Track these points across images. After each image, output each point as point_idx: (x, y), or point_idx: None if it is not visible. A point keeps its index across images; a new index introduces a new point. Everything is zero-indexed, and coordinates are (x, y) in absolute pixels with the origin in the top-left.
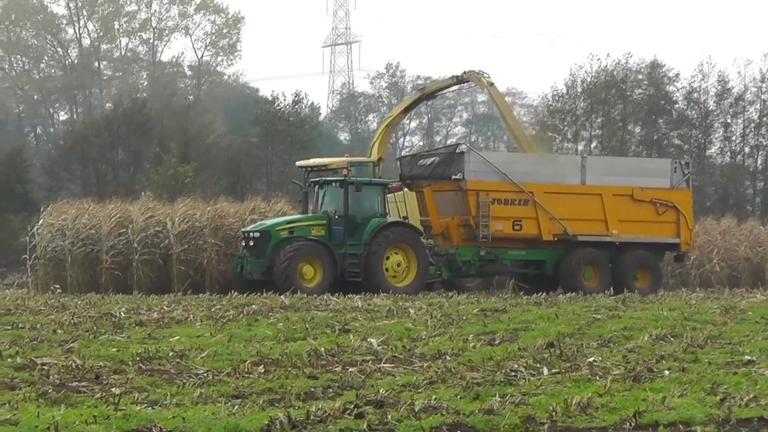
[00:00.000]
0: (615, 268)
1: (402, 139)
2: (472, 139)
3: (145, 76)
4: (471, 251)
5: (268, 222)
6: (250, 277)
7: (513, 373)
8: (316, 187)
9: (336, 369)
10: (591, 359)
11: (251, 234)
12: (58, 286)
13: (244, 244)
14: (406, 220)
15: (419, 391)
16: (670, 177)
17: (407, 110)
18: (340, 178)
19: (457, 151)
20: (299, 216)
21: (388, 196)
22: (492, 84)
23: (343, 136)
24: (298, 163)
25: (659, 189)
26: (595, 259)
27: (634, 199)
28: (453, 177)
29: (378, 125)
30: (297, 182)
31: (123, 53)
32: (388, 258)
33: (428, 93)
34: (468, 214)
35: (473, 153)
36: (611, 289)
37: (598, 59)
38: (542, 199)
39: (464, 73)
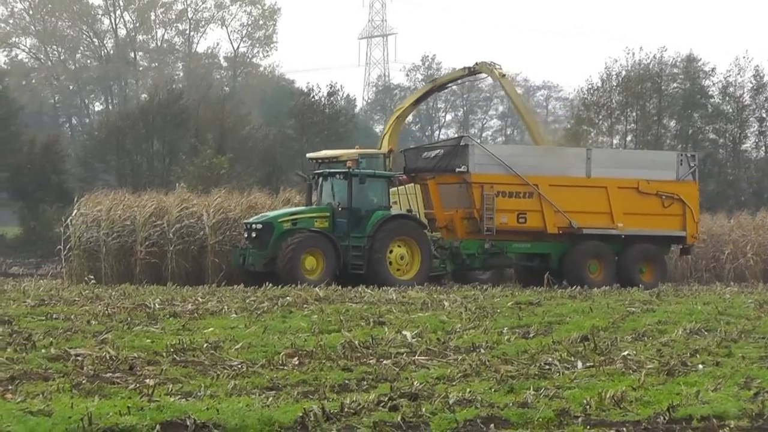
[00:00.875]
0: (620, 261)
1: (438, 132)
2: (508, 132)
3: (180, 67)
4: (475, 244)
5: (271, 213)
6: (252, 269)
7: (547, 367)
8: (320, 179)
9: (370, 361)
10: (625, 353)
11: (254, 225)
12: (92, 277)
13: (246, 235)
14: (411, 213)
15: (453, 383)
16: (676, 169)
17: (418, 102)
18: (343, 170)
19: (461, 143)
20: (302, 208)
21: (400, 188)
22: (504, 75)
23: (379, 128)
24: (308, 155)
25: (665, 182)
26: (600, 252)
27: (640, 192)
28: (457, 170)
29: (388, 117)
30: (301, 174)
31: (159, 44)
32: (391, 251)
33: (439, 84)
34: (472, 207)
35: (477, 146)
36: (616, 282)
37: (633, 53)
38: (547, 192)
39: (476, 64)
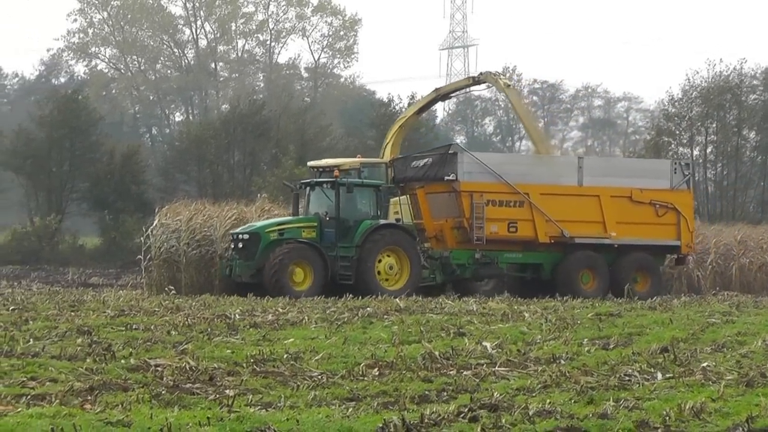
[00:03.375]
0: (614, 271)
1: (519, 143)
2: (588, 143)
3: (261, 77)
4: (465, 254)
5: (258, 224)
6: (239, 280)
7: (627, 378)
8: (308, 188)
9: (450, 372)
10: (704, 364)
11: (240, 236)
12: (172, 288)
13: (233, 246)
14: (400, 222)
15: (533, 394)
16: (670, 178)
17: (421, 111)
18: (330, 180)
19: (450, 151)
20: (290, 218)
21: (401, 198)
22: (509, 86)
23: (460, 139)
24: (309, 164)
25: (659, 190)
26: (593, 262)
27: (633, 201)
28: (446, 178)
29: (390, 126)
30: (288, 184)
31: (240, 54)
32: (380, 261)
33: (443, 94)
34: (462, 216)
35: (466, 153)
36: (610, 292)
37: (714, 64)
38: (538, 201)
39: (480, 74)
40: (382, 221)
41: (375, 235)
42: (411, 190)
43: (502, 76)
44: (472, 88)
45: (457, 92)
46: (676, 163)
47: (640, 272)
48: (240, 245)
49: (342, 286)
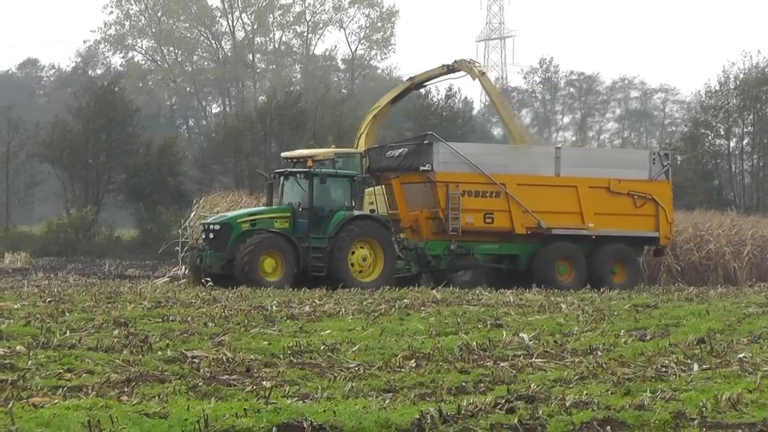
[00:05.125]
0: (591, 262)
1: (555, 135)
2: (625, 135)
3: (298, 69)
4: (441, 245)
5: (229, 214)
6: (209, 271)
7: (664, 369)
8: (281, 178)
9: (487, 364)
10: (741, 355)
11: (211, 226)
12: (209, 279)
13: (204, 236)
14: (374, 213)
15: (570, 386)
16: (649, 169)
17: (395, 100)
18: (304, 170)
19: (426, 141)
20: (262, 208)
21: (377, 188)
22: (483, 74)
23: (497, 131)
24: (283, 155)
25: (637, 181)
26: (570, 253)
27: (611, 192)
28: (421, 168)
29: (365, 115)
30: (262, 173)
31: (276, 46)
32: (353, 252)
33: (417, 83)
34: (437, 207)
35: (442, 143)
36: (587, 284)
37: (751, 56)
38: (514, 191)
39: (455, 62)
40: (356, 212)
41: (349, 226)
42: (386, 180)
43: (476, 64)
44: (447, 76)
45: (432, 81)
46: (654, 154)
47: (618, 263)
48: (211, 235)
49: (314, 277)
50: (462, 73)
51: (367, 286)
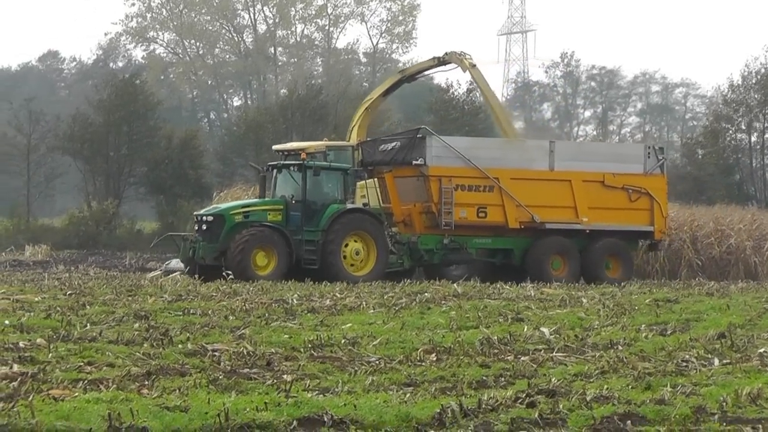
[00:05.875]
0: (585, 256)
1: (576, 129)
2: (646, 129)
3: (320, 62)
4: (434, 239)
5: (222, 206)
6: (202, 262)
7: (684, 364)
8: (274, 171)
9: (508, 358)
10: (762, 350)
11: (204, 218)
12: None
13: (196, 227)
14: (367, 207)
15: (591, 380)
16: (644, 163)
17: (387, 93)
18: (297, 162)
19: (419, 135)
20: (255, 200)
21: (367, 182)
22: (474, 66)
23: (518, 125)
24: (274, 147)
25: (632, 175)
26: (564, 247)
27: (606, 186)
28: (414, 162)
29: (357, 108)
30: (255, 165)
31: (298, 39)
32: (346, 245)
33: (408, 75)
34: (430, 201)
35: (435, 137)
36: (581, 278)
37: None
38: (508, 186)
39: (445, 54)
40: (349, 205)
41: (341, 219)
42: (379, 173)
43: (467, 56)
44: (437, 68)
45: (423, 73)
46: (649, 148)
47: (612, 258)
48: (204, 227)
49: (306, 270)
50: (453, 65)
51: (359, 280)
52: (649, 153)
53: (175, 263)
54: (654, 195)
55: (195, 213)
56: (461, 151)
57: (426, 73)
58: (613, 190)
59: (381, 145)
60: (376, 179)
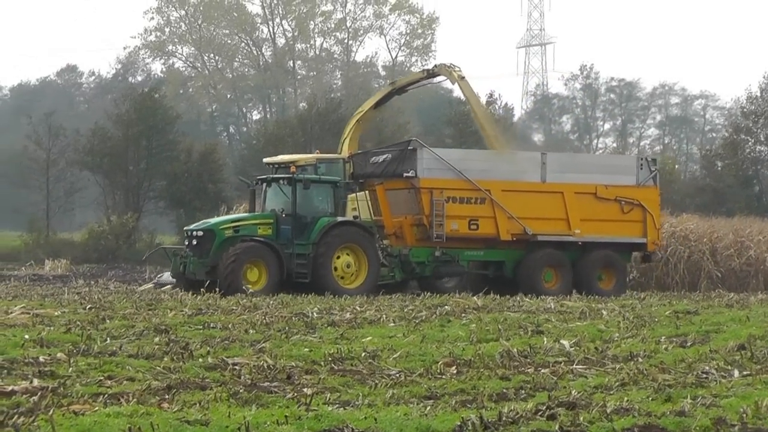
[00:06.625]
0: (578, 269)
1: (596, 141)
2: (665, 141)
3: (339, 75)
4: (425, 252)
5: (213, 220)
6: (193, 277)
7: (704, 375)
8: (264, 184)
9: (528, 370)
10: None
11: (194, 233)
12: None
13: (187, 242)
14: (358, 220)
15: (611, 392)
16: (636, 174)
17: (378, 105)
18: (287, 176)
19: (409, 147)
20: (245, 215)
21: (358, 195)
22: (463, 78)
23: (537, 137)
24: (265, 160)
25: (624, 186)
26: (556, 259)
27: (598, 197)
28: (405, 174)
29: (348, 121)
30: (244, 179)
31: (317, 53)
32: (338, 257)
33: (399, 87)
34: (421, 213)
35: (426, 149)
36: (574, 291)
37: None
38: (500, 198)
39: (435, 66)
40: (340, 218)
41: (332, 232)
42: (370, 186)
43: (456, 69)
44: (427, 80)
45: (414, 85)
46: (642, 159)
47: (605, 270)
48: (194, 242)
49: (298, 284)
50: (442, 77)
51: (351, 292)
52: (641, 164)
53: (167, 276)
54: (647, 206)
55: (185, 228)
56: (452, 163)
57: (416, 85)
58: (605, 202)
59: (372, 157)
60: (367, 192)
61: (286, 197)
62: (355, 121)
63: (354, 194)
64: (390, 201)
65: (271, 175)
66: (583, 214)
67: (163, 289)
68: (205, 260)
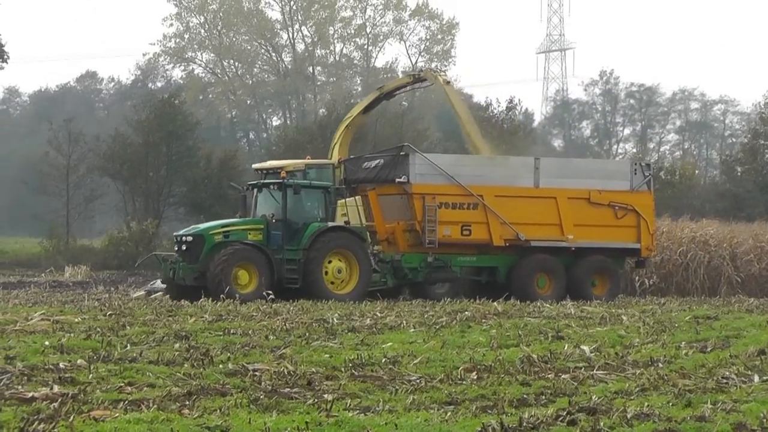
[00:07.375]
0: (571, 274)
1: (616, 146)
2: (685, 146)
3: (359, 81)
4: (417, 258)
5: (202, 225)
6: (182, 283)
7: (724, 381)
8: (255, 190)
9: (549, 376)
10: None
11: (184, 238)
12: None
13: (176, 248)
14: (348, 225)
15: (632, 398)
16: (630, 179)
17: (367, 110)
18: (277, 181)
19: (402, 152)
20: (235, 220)
21: (349, 200)
22: (448, 82)
23: (557, 143)
24: (254, 166)
25: (618, 192)
26: (549, 265)
27: (591, 203)
28: (397, 180)
29: (338, 126)
30: (235, 185)
31: (337, 59)
32: (329, 262)
33: (387, 92)
34: (413, 219)
35: (418, 155)
36: (567, 297)
37: None
38: (492, 203)
39: (421, 71)
40: (331, 224)
41: (323, 237)
42: (362, 191)
43: (441, 73)
44: (414, 85)
45: (401, 90)
46: (636, 164)
47: (599, 275)
48: (184, 247)
49: (288, 289)
50: (428, 82)
51: (342, 298)
52: (635, 169)
53: (160, 283)
54: (641, 212)
55: (175, 233)
56: (445, 169)
57: (403, 89)
58: (599, 207)
59: (364, 162)
60: (359, 197)
61: (276, 203)
62: (345, 127)
63: (343, 200)
64: (382, 206)
65: (261, 181)
66: (577, 219)
67: (154, 296)
68: (195, 266)
